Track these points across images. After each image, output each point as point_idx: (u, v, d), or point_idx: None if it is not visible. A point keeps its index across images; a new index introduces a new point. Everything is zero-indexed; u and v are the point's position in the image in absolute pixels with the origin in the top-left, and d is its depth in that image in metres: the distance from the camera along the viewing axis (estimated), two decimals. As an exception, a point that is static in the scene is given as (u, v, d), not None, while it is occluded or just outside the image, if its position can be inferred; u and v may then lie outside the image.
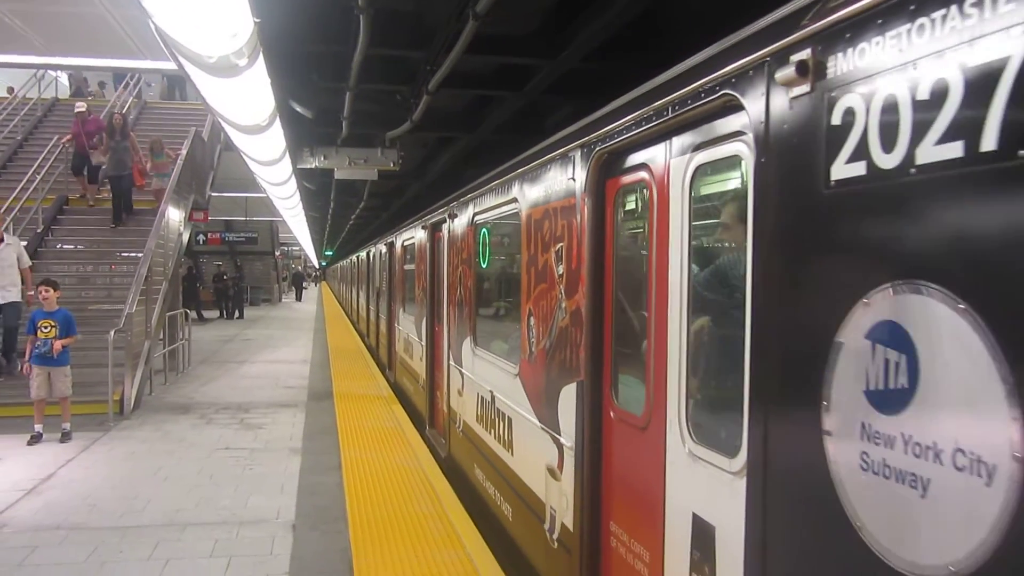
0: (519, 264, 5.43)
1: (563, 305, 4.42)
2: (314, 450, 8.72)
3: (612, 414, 3.92)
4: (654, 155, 3.47)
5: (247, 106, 8.24)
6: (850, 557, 1.98)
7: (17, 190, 14.81)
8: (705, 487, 2.95)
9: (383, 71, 8.04)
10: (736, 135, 2.74)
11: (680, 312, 3.15)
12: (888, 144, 1.91)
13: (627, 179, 3.81)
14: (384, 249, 15.92)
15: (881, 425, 1.93)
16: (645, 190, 3.60)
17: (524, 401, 5.25)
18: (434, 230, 9.51)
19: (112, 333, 10.51)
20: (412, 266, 11.61)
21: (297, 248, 69.50)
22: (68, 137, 16.18)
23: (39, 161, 15.98)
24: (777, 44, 2.37)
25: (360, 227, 31.43)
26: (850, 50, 2.05)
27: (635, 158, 3.67)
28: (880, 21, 1.94)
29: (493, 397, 6.20)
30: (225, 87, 7.39)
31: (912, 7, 1.83)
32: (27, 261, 11.49)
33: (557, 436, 4.53)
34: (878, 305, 1.93)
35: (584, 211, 4.10)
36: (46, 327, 9.30)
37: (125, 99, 21.84)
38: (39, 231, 14.66)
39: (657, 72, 3.42)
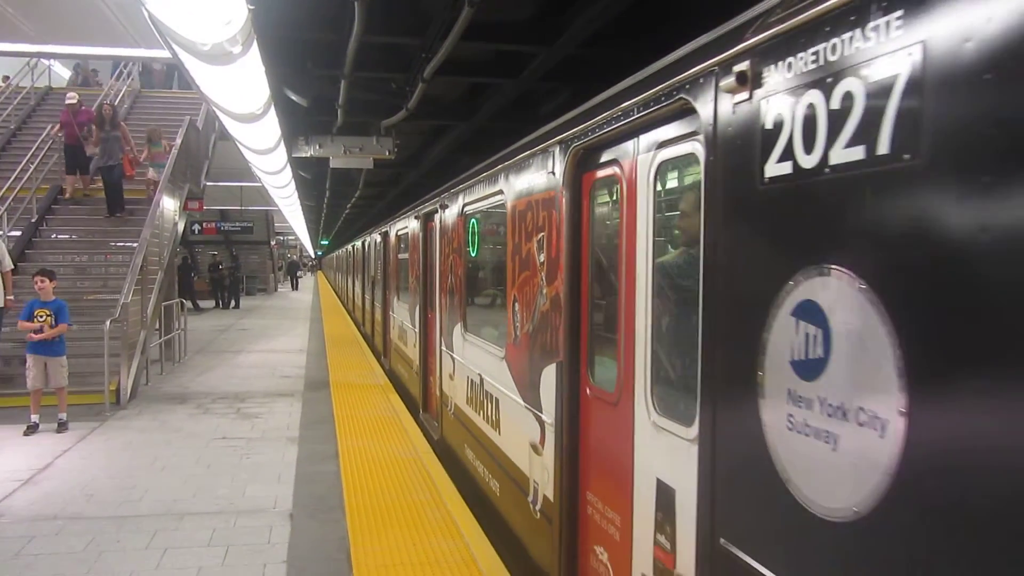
0: (505, 253, 5.70)
1: (544, 291, 4.72)
2: (311, 439, 8.72)
3: (588, 392, 4.22)
4: (623, 152, 3.75)
5: (241, 94, 8.19)
6: (781, 507, 2.26)
7: (11, 180, 14.72)
8: (666, 454, 3.25)
9: (378, 58, 8.00)
10: (692, 135, 3.03)
11: (646, 297, 3.46)
12: (808, 147, 2.20)
13: (601, 173, 4.10)
14: (379, 238, 16.27)
15: (802, 390, 2.22)
16: (616, 184, 3.88)
17: (510, 382, 5.54)
18: (426, 220, 9.77)
19: (108, 323, 10.48)
20: (406, 255, 11.92)
21: (293, 237, 69.40)
22: (57, 127, 15.85)
23: (32, 151, 15.86)
24: (722, 55, 2.65)
25: (356, 216, 31.36)
26: (780, 63, 2.34)
27: (607, 154, 3.96)
28: (803, 40, 2.22)
29: (482, 380, 6.50)
30: (219, 75, 7.35)
31: (827, 28, 2.11)
32: (8, 264, 10.87)
33: (539, 414, 4.82)
34: (801, 286, 2.22)
35: (562, 203, 4.39)
36: (42, 316, 9.27)
37: (119, 87, 21.68)
38: (33, 221, 14.59)
39: (654, 59, 3.48)
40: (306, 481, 7.14)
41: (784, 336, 2.30)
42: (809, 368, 2.19)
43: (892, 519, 1.87)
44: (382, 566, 5.16)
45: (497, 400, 5.97)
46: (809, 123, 2.19)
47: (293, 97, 8.85)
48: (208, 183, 22.17)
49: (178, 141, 16.67)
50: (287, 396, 11.41)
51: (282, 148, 11.72)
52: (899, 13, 1.86)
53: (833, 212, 2.12)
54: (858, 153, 2.00)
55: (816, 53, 2.17)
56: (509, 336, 5.55)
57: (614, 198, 4.00)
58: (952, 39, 1.71)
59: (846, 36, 2.05)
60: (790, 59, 2.30)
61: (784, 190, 2.32)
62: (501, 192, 5.83)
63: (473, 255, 7.20)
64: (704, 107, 2.79)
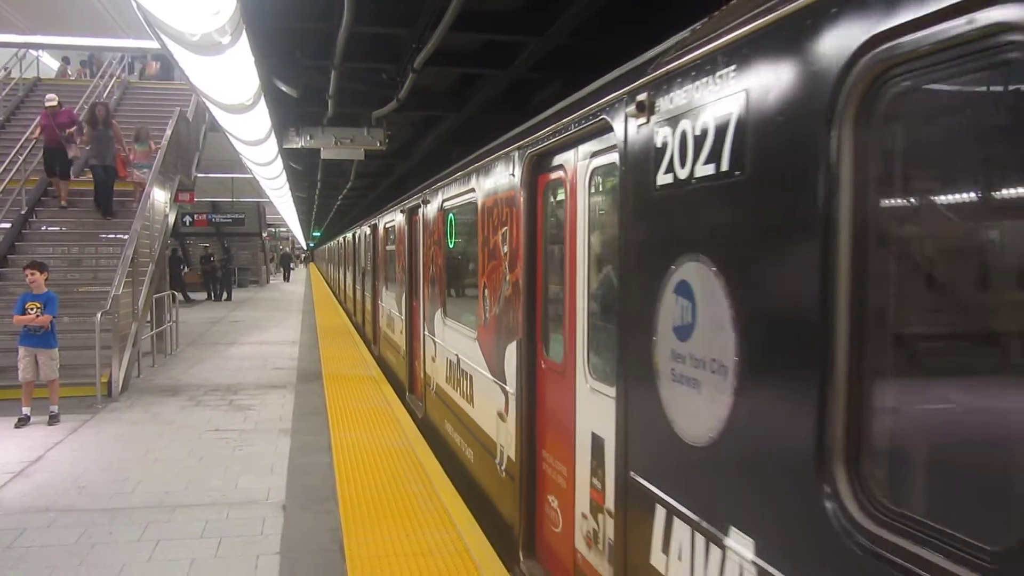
0: (477, 245, 6.29)
1: (507, 278, 5.36)
2: (304, 431, 8.73)
3: (543, 364, 4.87)
4: (568, 158, 4.40)
5: (231, 85, 8.15)
6: (670, 443, 2.92)
7: (-1, 170, 14.66)
8: (598, 411, 3.91)
9: (368, 49, 7.96)
10: (613, 148, 3.56)
11: (584, 283, 4.15)
12: (682, 162, 2.82)
13: (551, 176, 4.72)
14: (368, 231, 16.96)
15: (680, 349, 2.87)
16: (562, 186, 4.50)
17: (481, 360, 6.21)
18: (411, 214, 10.38)
19: (99, 315, 10.45)
20: (393, 247, 12.58)
21: (285, 229, 69.16)
22: (38, 132, 15.13)
23: (21, 142, 15.76)
24: (630, 86, 3.32)
25: (348, 207, 31.29)
26: (667, 96, 2.97)
27: (556, 160, 4.59)
28: (680, 79, 2.87)
29: (458, 360, 7.20)
30: (208, 66, 7.30)
31: (693, 73, 2.77)
32: None
33: (504, 385, 5.49)
34: (680, 270, 2.86)
35: (520, 201, 5.02)
36: (32, 309, 9.24)
37: (107, 80, 21.54)
38: (23, 213, 14.51)
39: (643, 49, 3.54)
40: (299, 472, 7.15)
41: (669, 308, 2.95)
42: (684, 332, 2.85)
43: (731, 440, 2.56)
44: (375, 556, 5.17)
45: (471, 377, 6.62)
46: (683, 144, 2.83)
47: (283, 88, 8.81)
48: (199, 174, 22.07)
49: (168, 132, 16.57)
50: (279, 388, 11.41)
51: (273, 139, 11.67)
52: (733, 67, 2.53)
53: (697, 213, 2.77)
54: (710, 169, 2.64)
55: (687, 91, 2.81)
56: (480, 319, 6.19)
57: (560, 198, 4.61)
58: (763, 89, 2.38)
59: (704, 80, 2.70)
60: (672, 94, 2.94)
61: (668, 196, 2.96)
62: (473, 190, 6.46)
63: (451, 247, 7.81)
64: (618, 127, 3.43)
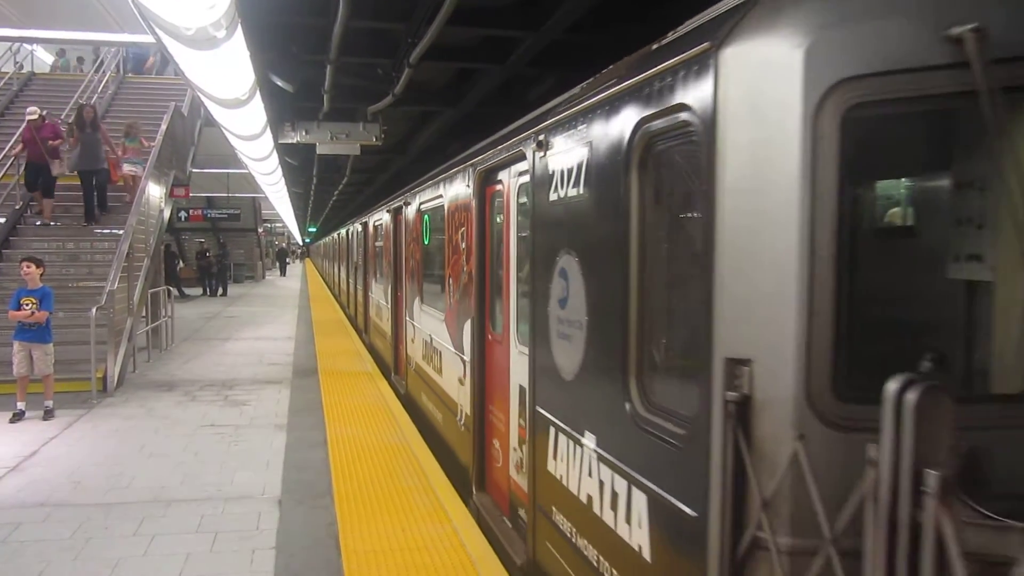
0: (444, 242, 7.47)
1: (465, 269, 6.51)
2: (299, 426, 8.73)
3: (490, 337, 6.10)
4: (504, 175, 5.60)
5: (226, 79, 8.11)
6: (556, 381, 4.11)
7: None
8: (522, 368, 4.96)
9: (364, 44, 7.94)
10: (527, 171, 4.70)
11: (514, 272, 5.33)
12: (561, 185, 4.03)
13: (495, 188, 5.90)
14: (359, 228, 18.18)
15: (561, 314, 4.03)
16: (501, 196, 5.71)
17: (447, 337, 7.41)
18: (395, 214, 11.54)
19: (94, 310, 10.43)
20: (380, 243, 13.80)
21: (280, 225, 69.01)
22: (20, 148, 14.36)
23: (16, 136, 15.68)
24: (534, 129, 4.55)
25: (343, 203, 31.22)
26: (553, 139, 4.20)
27: (497, 176, 5.78)
28: (560, 128, 4.11)
29: (431, 339, 8.34)
30: (204, 60, 7.28)
31: (566, 125, 4.01)
32: None
33: (463, 356, 6.70)
34: (562, 259, 4.02)
35: (473, 207, 6.22)
36: (28, 304, 9.22)
37: (103, 75, 21.46)
38: (17, 207, 14.46)
39: (639, 46, 3.64)
40: (294, 468, 7.15)
41: (555, 287, 4.11)
42: (563, 303, 4.01)
43: (584, 374, 3.76)
44: (371, 551, 5.18)
45: (440, 352, 7.84)
46: (561, 173, 4.04)
47: (278, 82, 8.78)
48: (194, 170, 22.01)
49: (163, 127, 16.52)
50: (275, 383, 11.40)
51: (268, 134, 11.64)
52: (584, 125, 3.78)
53: (568, 221, 4.00)
54: (573, 191, 3.88)
55: (563, 137, 4.06)
56: (446, 303, 7.42)
57: (497, 205, 5.86)
58: (597, 142, 3.58)
59: (571, 131, 3.96)
60: (557, 138, 4.16)
61: (554, 208, 4.16)
62: (441, 196, 7.69)
63: (426, 243, 9.02)
64: (529, 156, 4.63)
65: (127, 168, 15.09)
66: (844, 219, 2.42)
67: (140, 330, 13.45)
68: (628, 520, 3.26)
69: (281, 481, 6.77)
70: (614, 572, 3.41)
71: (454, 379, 7.11)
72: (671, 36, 3.17)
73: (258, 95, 8.69)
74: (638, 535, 3.16)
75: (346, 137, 11.10)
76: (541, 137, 4.34)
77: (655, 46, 3.28)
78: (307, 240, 75.52)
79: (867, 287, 2.71)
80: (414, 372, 9.67)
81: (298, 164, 18.15)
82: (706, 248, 2.65)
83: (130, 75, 23.11)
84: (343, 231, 25.12)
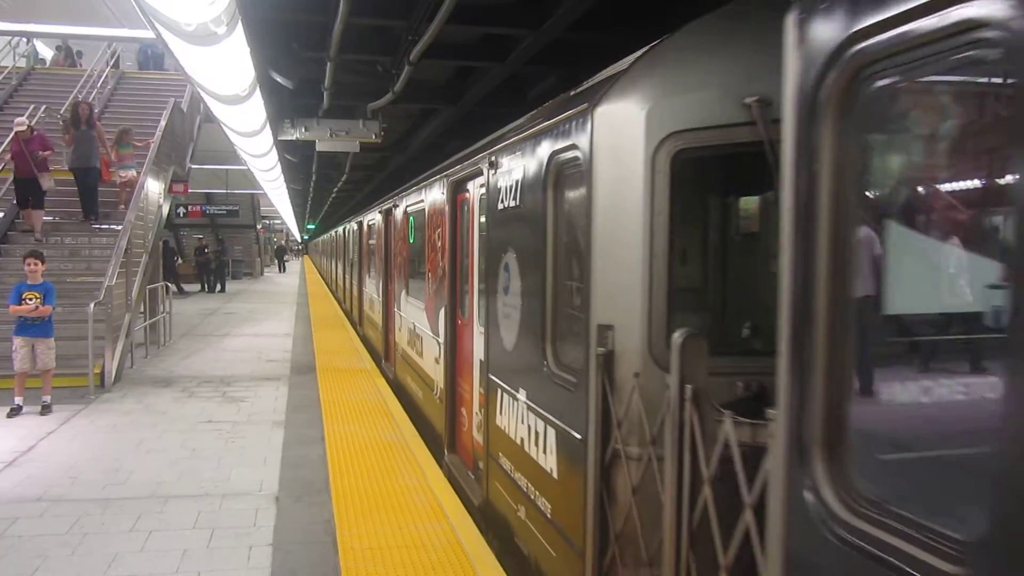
0: (425, 241, 8.62)
1: (441, 265, 7.63)
2: (297, 423, 8.73)
3: (459, 321, 7.22)
4: (470, 186, 6.69)
5: (226, 75, 8.12)
6: (502, 351, 5.23)
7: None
8: (481, 344, 5.95)
9: (364, 41, 7.94)
10: (484, 185, 5.82)
11: (476, 267, 6.42)
12: (505, 198, 5.10)
13: (464, 196, 7.03)
14: (355, 227, 19.29)
15: (505, 300, 5.11)
16: (468, 204, 6.84)
17: (426, 324, 8.56)
18: (387, 214, 12.55)
19: (92, 305, 10.42)
20: (373, 241, 14.89)
21: (279, 222, 68.99)
22: (8, 157, 13.64)
23: (3, 146, 15.64)
24: (488, 151, 5.64)
25: (342, 200, 31.22)
26: (501, 160, 5.27)
27: (465, 186, 6.91)
28: (505, 152, 5.14)
29: (414, 326, 9.51)
30: (204, 56, 7.28)
31: (509, 150, 5.08)
32: None
33: (438, 338, 7.84)
34: (507, 255, 5.04)
35: (447, 212, 7.39)
36: (31, 299, 9.21)
37: (102, 69, 21.44)
38: (15, 203, 14.43)
39: (640, 45, 3.69)
40: (292, 465, 7.15)
41: (501, 278, 5.23)
42: (506, 290, 5.12)
43: (520, 344, 4.83)
44: (368, 548, 5.18)
45: (421, 337, 8.96)
46: (505, 187, 5.12)
47: (278, 79, 8.78)
48: (193, 166, 22.01)
49: (162, 123, 16.51)
50: (273, 380, 11.40)
51: (268, 131, 11.64)
52: (519, 152, 4.86)
53: (510, 225, 5.08)
54: (512, 203, 4.96)
55: (507, 159, 5.13)
56: (426, 295, 8.56)
57: (465, 211, 6.99)
58: (528, 165, 4.67)
59: (511, 155, 5.04)
60: (503, 159, 5.23)
61: (501, 216, 5.27)
62: (423, 200, 8.90)
63: (411, 241, 10.05)
64: (485, 173, 5.75)
65: (122, 173, 14.83)
66: (673, 229, 3.49)
67: (138, 326, 13.44)
68: (544, 451, 4.46)
69: (279, 478, 6.77)
70: (536, 493, 4.61)
71: (432, 359, 8.29)
72: (571, 93, 4.47)
73: (258, 91, 8.69)
74: (550, 461, 4.35)
75: (346, 134, 11.10)
76: (492, 158, 5.48)
77: (566, 95, 4.57)
78: (305, 237, 75.51)
79: (689, 277, 3.92)
80: (400, 357, 10.80)
81: (297, 161, 18.14)
82: (587, 249, 3.74)
83: (151, 71, 23.10)
84: (340, 229, 26.50)
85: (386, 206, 12.56)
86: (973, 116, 1.84)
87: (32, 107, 16.66)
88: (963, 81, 1.80)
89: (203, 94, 10.27)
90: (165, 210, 17.23)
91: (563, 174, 4.24)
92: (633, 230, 3.52)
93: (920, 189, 2.07)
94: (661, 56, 3.69)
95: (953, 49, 1.63)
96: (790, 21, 2.10)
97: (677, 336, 2.97)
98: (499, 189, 5.27)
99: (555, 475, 4.29)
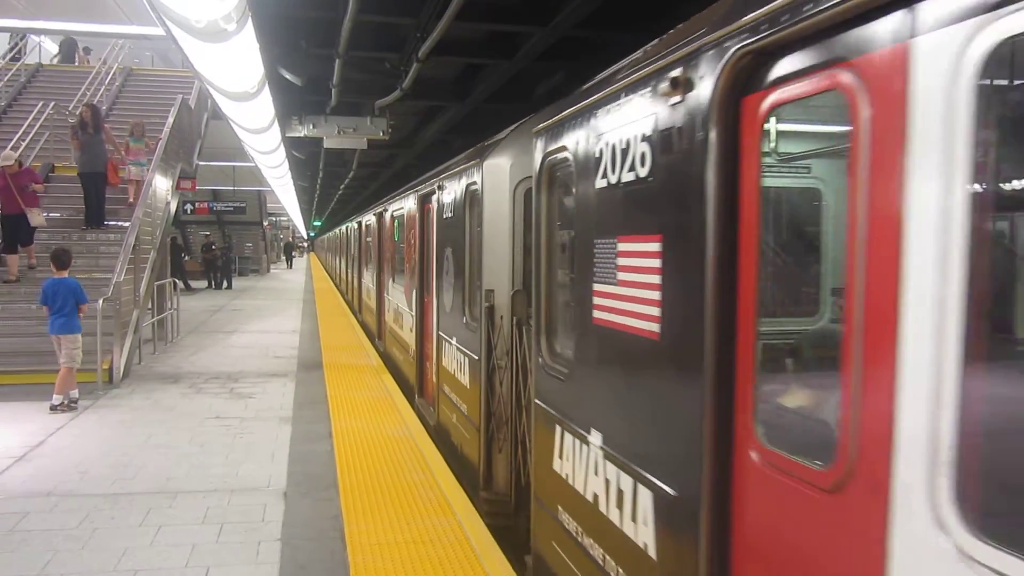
0: (404, 240, 11.14)
1: (415, 258, 9.87)
2: (304, 419, 8.76)
3: (425, 299, 9.20)
4: (432, 199, 8.52)
5: (236, 72, 8.15)
6: (445, 315, 7.89)
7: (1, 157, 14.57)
8: (438, 317, 8.14)
9: (373, 38, 7.96)
10: (437, 201, 8.15)
11: (435, 260, 8.29)
12: (446, 211, 7.86)
13: (428, 206, 8.90)
14: (355, 226, 21.89)
15: (446, 278, 7.75)
16: (430, 212, 8.73)
17: (405, 303, 11.02)
18: (379, 217, 14.99)
19: (100, 302, 10.47)
20: (369, 239, 17.52)
21: (286, 219, 69.09)
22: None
23: (24, 127, 15.73)
24: (438, 178, 8.14)
25: (349, 197, 31.26)
26: (444, 183, 7.98)
27: (429, 199, 8.86)
28: (445, 179, 7.92)
29: (398, 307, 11.97)
30: (213, 52, 7.30)
31: (447, 178, 7.87)
32: None
33: (411, 312, 10.33)
34: (446, 251, 7.72)
35: (417, 218, 9.58)
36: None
37: (111, 66, 21.50)
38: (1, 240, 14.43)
39: (648, 40, 3.52)
40: (300, 460, 7.17)
41: (444, 265, 7.74)
42: (447, 273, 7.63)
43: (452, 306, 7.49)
44: (376, 544, 5.20)
45: (403, 314, 11.41)
46: (445, 204, 7.75)
47: (287, 76, 8.80)
48: (201, 162, 22.03)
49: (170, 120, 16.53)
50: (280, 376, 11.43)
51: (276, 127, 11.68)
52: (452, 181, 7.55)
53: (449, 230, 7.59)
54: (449, 214, 7.53)
55: (446, 183, 7.76)
56: (405, 279, 11.00)
57: (429, 217, 8.88)
58: (484, 184, 6.34)
59: (447, 182, 7.75)
60: (445, 183, 7.76)
61: (445, 222, 7.72)
62: (403, 208, 11.29)
63: (396, 239, 12.61)
64: (436, 193, 8.05)
65: (133, 171, 14.51)
66: (525, 236, 5.74)
67: (146, 322, 13.49)
68: (464, 373, 7.01)
69: (286, 473, 6.80)
70: (460, 401, 7.18)
71: (408, 329, 10.79)
72: (474, 149, 6.99)
73: (267, 88, 8.72)
74: (466, 378, 6.91)
75: (353, 131, 11.12)
76: (439, 183, 8.04)
77: (472, 151, 7.01)
78: (311, 234, 75.64)
79: (536, 265, 4.71)
80: (389, 334, 13.39)
81: (305, 158, 18.19)
82: (480, 245, 6.27)
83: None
84: (342, 228, 30.44)
85: (378, 210, 15.30)
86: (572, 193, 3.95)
87: (21, 133, 16.19)
88: (565, 179, 4.22)
89: (212, 91, 10.30)
90: (173, 207, 17.25)
91: (471, 198, 6.69)
92: (504, 233, 6.12)
93: (569, 220, 4.22)
94: (515, 137, 6.04)
95: (564, 163, 4.05)
96: (535, 140, 4.50)
97: (511, 292, 5.82)
98: (443, 204, 7.85)
99: (468, 386, 6.89)
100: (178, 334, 15.62)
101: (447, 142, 13.13)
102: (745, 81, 2.42)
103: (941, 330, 1.73)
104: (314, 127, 11.13)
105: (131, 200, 14.32)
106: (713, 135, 2.50)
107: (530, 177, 4.73)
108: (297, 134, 11.29)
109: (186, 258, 31.32)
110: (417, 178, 11.07)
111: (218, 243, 32.84)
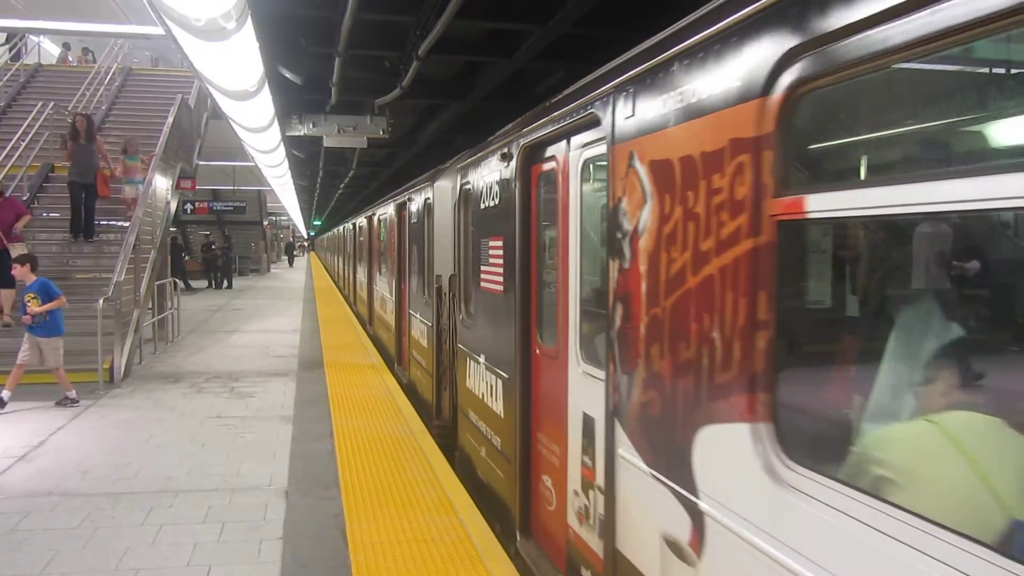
0: (387, 240, 13.64)
1: (395, 253, 12.12)
2: (305, 418, 8.76)
3: (402, 286, 11.57)
4: (405, 208, 11.06)
5: (235, 71, 8.14)
6: (413, 296, 10.46)
7: (1, 157, 14.60)
8: (412, 302, 10.50)
9: (372, 36, 7.95)
10: (409, 208, 10.63)
11: (407, 255, 10.91)
12: (414, 217, 10.33)
13: (405, 212, 11.17)
14: (351, 227, 24.32)
15: (414, 267, 10.28)
16: (406, 217, 10.95)
17: (387, 290, 13.28)
18: (369, 220, 17.48)
19: (101, 301, 10.46)
20: (362, 238, 19.86)
21: (285, 218, 69.09)
22: None
23: (23, 128, 15.71)
24: (409, 191, 10.76)
25: (349, 196, 31.25)
26: (412, 195, 10.60)
27: (406, 206, 10.92)
28: (412, 193, 10.54)
29: (384, 296, 14.11)
30: (213, 51, 7.29)
31: (414, 192, 10.33)
32: None
33: (392, 298, 12.57)
34: (414, 247, 10.21)
35: (395, 221, 12.23)
36: (29, 301, 9.26)
37: (110, 66, 21.48)
38: (25, 199, 14.49)
39: (644, 37, 3.57)
40: (301, 459, 7.18)
41: (412, 257, 10.30)
42: (414, 263, 10.17)
43: (415, 290, 10.06)
44: (377, 543, 5.20)
45: (385, 299, 13.91)
46: (413, 211, 10.16)
47: (287, 75, 8.80)
48: (200, 162, 22.02)
49: (170, 120, 16.53)
50: (281, 375, 11.43)
51: (275, 126, 11.67)
52: (418, 194, 9.87)
53: (417, 231, 9.89)
54: (415, 220, 10.08)
55: (413, 197, 10.20)
56: (388, 271, 13.11)
57: (405, 220, 11.00)
58: (434, 196, 8.69)
59: (414, 195, 10.14)
60: (412, 196, 10.32)
61: (413, 226, 10.30)
62: (386, 212, 13.73)
63: (381, 239, 15.10)
64: (407, 202, 10.86)
65: (127, 190, 14.06)
66: (464, 236, 6.83)
67: (146, 322, 13.49)
68: (422, 337, 9.34)
69: (288, 472, 6.80)
70: (420, 358, 9.42)
71: (391, 311, 12.87)
72: (431, 172, 8.97)
73: (266, 87, 8.71)
74: (425, 342, 9.09)
75: (353, 130, 11.12)
76: (408, 195, 10.61)
77: (431, 172, 8.81)
78: (311, 233, 75.65)
79: (457, 256, 6.83)
80: (376, 319, 15.96)
81: (305, 157, 18.18)
82: (432, 242, 8.55)
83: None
84: (339, 228, 33.55)
85: (369, 213, 18.05)
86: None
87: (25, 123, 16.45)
88: (470, 201, 6.66)
89: (212, 90, 10.30)
90: (173, 206, 17.24)
91: (428, 208, 8.84)
92: (448, 235, 7.46)
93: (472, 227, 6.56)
94: (459, 162, 7.23)
95: (469, 191, 6.61)
96: (457, 174, 7.04)
97: (444, 274, 7.71)
98: (411, 212, 10.34)
99: (426, 347, 9.04)
100: (179, 334, 15.62)
101: (447, 140, 13.13)
102: (531, 157, 4.98)
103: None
104: (314, 126, 11.13)
105: (129, 213, 13.77)
106: (519, 184, 5.09)
107: (469, 192, 6.77)
108: (297, 133, 11.28)
109: (186, 258, 31.31)
110: (416, 177, 11.32)
111: (218, 243, 32.81)
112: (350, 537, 5.29)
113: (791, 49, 2.25)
